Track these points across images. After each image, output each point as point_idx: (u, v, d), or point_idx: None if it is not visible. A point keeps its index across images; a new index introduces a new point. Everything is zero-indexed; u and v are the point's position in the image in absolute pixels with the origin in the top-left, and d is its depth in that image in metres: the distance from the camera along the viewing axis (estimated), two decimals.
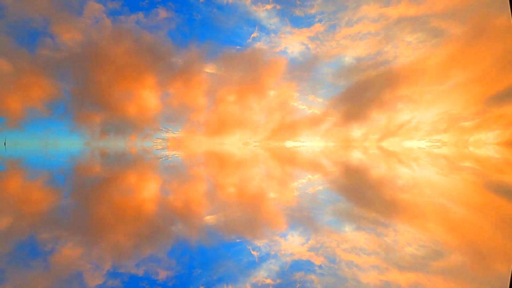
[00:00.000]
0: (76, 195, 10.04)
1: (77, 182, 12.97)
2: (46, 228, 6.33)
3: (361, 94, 48.64)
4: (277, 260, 5.17)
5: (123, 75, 48.07)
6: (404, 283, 4.34)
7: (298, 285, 4.30)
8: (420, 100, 45.52)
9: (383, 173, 17.39)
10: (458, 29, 41.63)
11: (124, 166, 21.36)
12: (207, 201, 9.70)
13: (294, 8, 50.12)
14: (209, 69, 50.71)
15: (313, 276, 4.55)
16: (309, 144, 54.61)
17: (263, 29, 52.08)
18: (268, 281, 4.43)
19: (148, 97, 49.69)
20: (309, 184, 13.51)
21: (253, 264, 4.99)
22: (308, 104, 52.48)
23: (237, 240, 6.06)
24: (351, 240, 6.21)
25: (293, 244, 5.95)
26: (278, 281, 4.44)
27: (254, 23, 51.45)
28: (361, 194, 11.28)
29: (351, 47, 49.06)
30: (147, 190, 11.18)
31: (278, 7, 50.42)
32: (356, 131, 50.01)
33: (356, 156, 34.36)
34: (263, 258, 5.24)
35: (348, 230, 6.98)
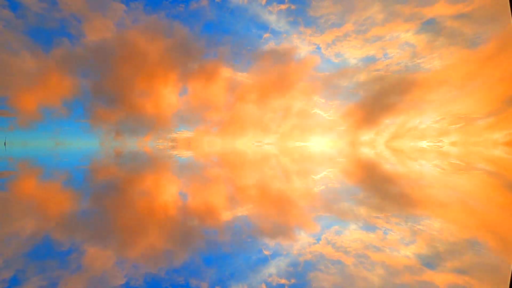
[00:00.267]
0: (94, 197, 10.02)
1: (94, 183, 12.89)
2: (65, 229, 6.39)
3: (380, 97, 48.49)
4: (307, 259, 5.13)
5: (141, 74, 47.68)
6: (441, 284, 4.18)
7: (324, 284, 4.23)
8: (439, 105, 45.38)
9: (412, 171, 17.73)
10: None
11: (141, 166, 21.36)
12: (229, 200, 9.76)
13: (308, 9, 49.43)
14: (229, 68, 50.39)
15: (342, 276, 4.45)
16: (329, 144, 54.56)
17: (275, 31, 51.78)
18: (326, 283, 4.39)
19: (166, 96, 49.29)
20: (330, 181, 14.03)
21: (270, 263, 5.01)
22: (326, 108, 52.26)
23: (265, 240, 6.03)
24: (381, 239, 6.11)
25: (322, 243, 5.90)
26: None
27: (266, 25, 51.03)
28: (389, 191, 11.39)
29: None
30: (166, 191, 11.19)
31: (293, 7, 50.04)
32: (372, 135, 50.08)
33: (382, 157, 34.80)
34: (292, 257, 5.22)
35: (377, 228, 6.87)
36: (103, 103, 48.86)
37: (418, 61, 46.04)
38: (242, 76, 51.59)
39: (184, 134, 53.28)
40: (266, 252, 5.41)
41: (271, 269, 4.78)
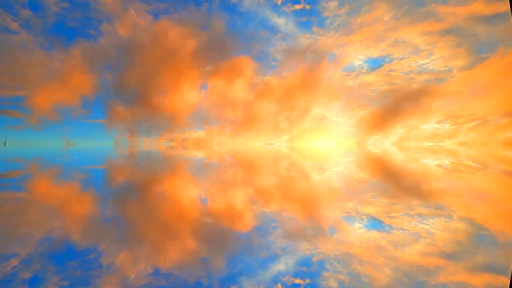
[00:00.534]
0: (108, 199, 9.89)
1: (109, 186, 12.74)
2: (83, 232, 6.27)
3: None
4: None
5: (159, 73, 47.80)
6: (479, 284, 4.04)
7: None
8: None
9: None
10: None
11: (157, 167, 20.96)
12: (248, 198, 9.71)
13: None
14: (247, 67, 50.02)
15: (377, 276, 4.35)
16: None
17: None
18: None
19: (184, 95, 49.15)
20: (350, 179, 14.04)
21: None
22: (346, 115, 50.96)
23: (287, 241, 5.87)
24: (412, 237, 6.00)
25: (357, 243, 5.75)
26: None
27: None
28: (411, 188, 11.39)
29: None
30: (185, 192, 11.00)
31: (308, 7, 49.32)
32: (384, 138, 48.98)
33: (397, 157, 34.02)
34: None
35: (405, 226, 6.74)
36: (119, 102, 49.79)
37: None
38: (262, 76, 51.37)
39: (200, 133, 53.44)
40: (279, 252, 5.31)
41: (286, 268, 4.69)
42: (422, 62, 46.03)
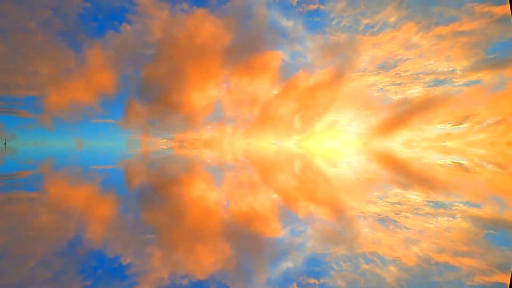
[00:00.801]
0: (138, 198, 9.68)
1: (131, 185, 12.46)
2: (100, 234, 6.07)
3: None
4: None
5: (176, 70, 47.53)
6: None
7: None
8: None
9: None
10: None
11: (173, 167, 20.56)
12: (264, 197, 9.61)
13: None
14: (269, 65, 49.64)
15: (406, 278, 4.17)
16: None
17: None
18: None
19: (204, 92, 48.91)
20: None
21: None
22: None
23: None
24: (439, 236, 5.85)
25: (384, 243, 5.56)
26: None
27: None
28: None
29: None
30: (203, 193, 10.68)
31: (321, 6, 47.99)
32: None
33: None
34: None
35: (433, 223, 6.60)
36: (136, 102, 49.62)
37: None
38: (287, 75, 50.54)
39: (217, 132, 52.65)
40: (295, 252, 5.16)
41: (300, 267, 4.58)
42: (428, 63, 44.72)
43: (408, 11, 44.81)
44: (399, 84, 46.86)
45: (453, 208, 7.99)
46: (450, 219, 7.02)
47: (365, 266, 4.56)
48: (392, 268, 4.49)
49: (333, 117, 50.52)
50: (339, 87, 48.76)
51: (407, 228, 6.34)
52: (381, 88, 48.30)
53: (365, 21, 47.40)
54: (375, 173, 16.22)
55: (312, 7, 48.99)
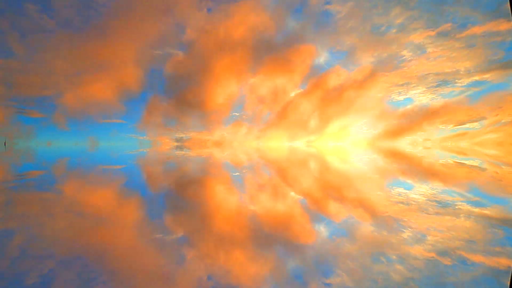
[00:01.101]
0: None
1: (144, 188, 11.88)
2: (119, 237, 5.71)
3: None
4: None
5: (193, 68, 46.78)
6: None
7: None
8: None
9: None
10: None
11: (195, 167, 19.37)
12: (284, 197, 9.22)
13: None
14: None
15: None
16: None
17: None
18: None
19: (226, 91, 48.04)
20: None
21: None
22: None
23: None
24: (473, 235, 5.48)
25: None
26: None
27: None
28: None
29: None
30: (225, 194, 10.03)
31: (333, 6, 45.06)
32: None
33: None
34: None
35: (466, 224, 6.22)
36: (154, 102, 48.76)
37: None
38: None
39: (238, 130, 51.16)
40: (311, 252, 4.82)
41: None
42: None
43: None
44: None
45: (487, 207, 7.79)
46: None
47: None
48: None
49: (352, 119, 49.22)
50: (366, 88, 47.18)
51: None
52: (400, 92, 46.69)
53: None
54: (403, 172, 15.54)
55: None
